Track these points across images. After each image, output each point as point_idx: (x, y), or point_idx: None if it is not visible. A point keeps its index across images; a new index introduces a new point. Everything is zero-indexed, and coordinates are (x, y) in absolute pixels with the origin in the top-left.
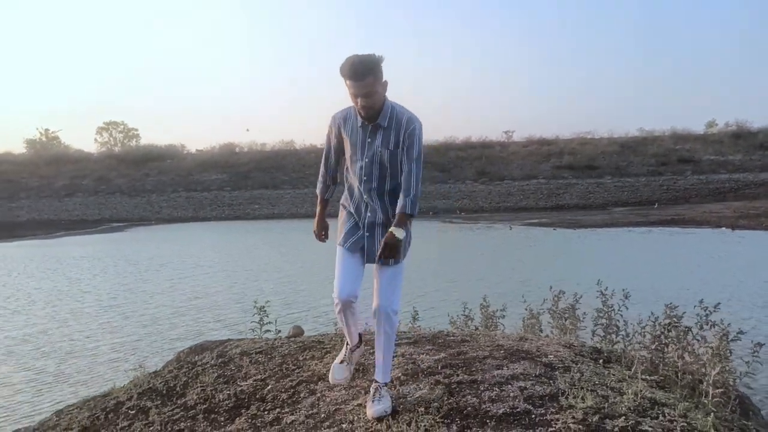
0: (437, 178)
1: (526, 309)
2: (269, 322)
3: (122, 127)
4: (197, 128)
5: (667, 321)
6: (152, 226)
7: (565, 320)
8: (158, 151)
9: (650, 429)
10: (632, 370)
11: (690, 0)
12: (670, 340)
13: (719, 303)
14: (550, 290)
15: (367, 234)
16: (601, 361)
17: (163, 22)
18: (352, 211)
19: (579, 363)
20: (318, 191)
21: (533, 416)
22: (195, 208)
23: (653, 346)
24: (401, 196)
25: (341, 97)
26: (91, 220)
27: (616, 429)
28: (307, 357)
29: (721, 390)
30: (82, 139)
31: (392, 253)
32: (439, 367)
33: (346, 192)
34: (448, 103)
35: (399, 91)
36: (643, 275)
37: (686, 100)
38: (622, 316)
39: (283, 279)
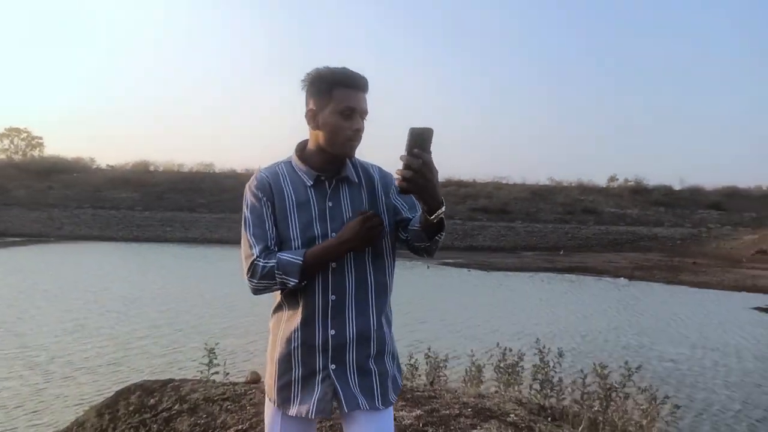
0: None
1: (471, 363)
2: (217, 364)
3: (25, 135)
4: (109, 142)
5: (596, 381)
6: (52, 244)
7: (509, 375)
8: (64, 163)
9: None
10: (579, 428)
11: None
12: (597, 396)
13: (640, 366)
14: (497, 347)
15: (334, 367)
16: (549, 419)
17: (76, 19)
18: (299, 333)
19: (537, 423)
20: (266, 273)
21: None
22: (101, 227)
23: (596, 408)
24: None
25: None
26: None
27: None
28: None
29: None
30: None
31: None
32: (420, 425)
33: (281, 306)
34: None
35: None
36: (558, 321)
37: (591, 154)
38: (555, 372)
39: (209, 311)
